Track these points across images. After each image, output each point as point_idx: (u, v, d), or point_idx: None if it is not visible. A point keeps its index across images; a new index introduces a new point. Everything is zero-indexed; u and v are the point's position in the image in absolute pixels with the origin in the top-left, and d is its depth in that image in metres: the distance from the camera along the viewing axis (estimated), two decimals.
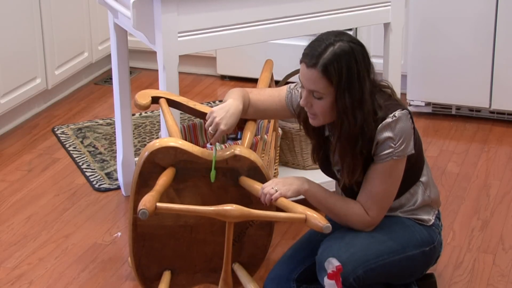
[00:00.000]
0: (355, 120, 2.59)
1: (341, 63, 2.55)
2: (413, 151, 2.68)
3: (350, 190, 2.77)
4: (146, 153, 2.66)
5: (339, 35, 2.60)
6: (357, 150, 2.63)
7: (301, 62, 2.62)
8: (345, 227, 2.77)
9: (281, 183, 2.64)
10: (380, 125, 2.62)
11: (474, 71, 4.39)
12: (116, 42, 3.53)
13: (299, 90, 2.81)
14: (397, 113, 2.63)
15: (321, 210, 2.73)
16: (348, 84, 2.56)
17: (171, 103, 2.96)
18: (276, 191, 2.61)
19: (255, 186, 2.66)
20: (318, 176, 3.46)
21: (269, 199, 2.61)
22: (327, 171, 2.85)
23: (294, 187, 2.65)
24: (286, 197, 2.62)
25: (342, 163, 2.68)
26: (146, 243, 2.74)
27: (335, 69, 2.55)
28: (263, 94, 2.91)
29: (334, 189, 2.97)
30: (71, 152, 4.22)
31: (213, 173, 2.69)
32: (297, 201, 2.63)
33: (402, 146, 2.64)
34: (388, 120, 2.62)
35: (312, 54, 2.58)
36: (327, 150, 2.79)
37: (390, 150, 2.63)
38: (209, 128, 2.71)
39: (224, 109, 2.72)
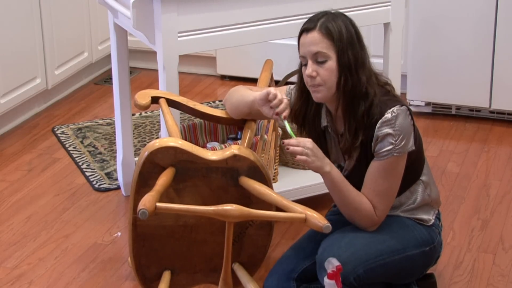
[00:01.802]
0: (359, 79, 2.63)
1: (339, 22, 2.64)
2: (413, 147, 2.69)
3: None
4: (146, 153, 2.66)
5: (328, 10, 2.70)
6: (360, 112, 2.64)
7: (300, 35, 2.67)
8: (345, 227, 2.78)
9: (313, 151, 2.61)
10: (380, 121, 2.63)
11: (474, 71, 4.40)
12: (116, 42, 3.53)
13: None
14: (396, 109, 2.64)
15: (333, 197, 2.72)
16: (349, 41, 2.63)
17: (171, 103, 2.96)
18: (306, 155, 2.60)
19: (256, 186, 2.66)
20: (318, 176, 3.46)
21: (293, 153, 2.61)
22: None
23: (318, 164, 2.63)
24: (307, 167, 2.63)
25: (345, 125, 2.68)
26: (146, 243, 2.74)
27: (335, 27, 2.62)
28: None
29: None
30: (71, 152, 4.22)
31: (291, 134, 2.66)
32: (297, 201, 2.64)
33: (403, 143, 2.64)
34: (388, 116, 2.63)
35: (310, 21, 2.66)
36: (324, 146, 2.79)
37: (391, 146, 2.63)
38: (276, 100, 2.69)
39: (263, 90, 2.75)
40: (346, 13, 3.28)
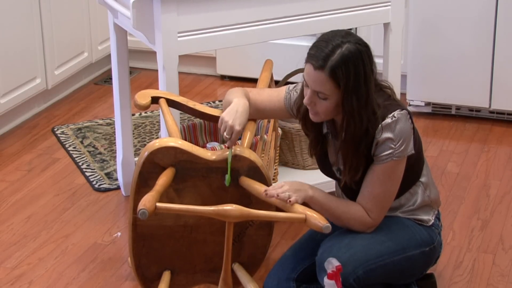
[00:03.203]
0: (361, 121, 2.60)
1: (349, 66, 2.54)
2: (413, 151, 2.68)
3: (351, 190, 2.77)
4: (146, 153, 2.66)
5: (346, 36, 2.58)
6: (361, 149, 2.64)
7: (307, 62, 2.60)
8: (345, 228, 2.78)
9: (292, 189, 2.60)
10: (380, 125, 2.62)
11: (474, 71, 4.40)
12: (116, 42, 3.53)
13: (298, 92, 2.81)
14: (397, 113, 2.63)
15: (323, 215, 2.72)
16: (355, 87, 2.56)
17: (171, 103, 2.96)
18: (290, 196, 2.58)
19: (256, 186, 2.66)
20: (318, 176, 3.46)
21: (281, 200, 2.58)
22: (326, 170, 2.85)
23: (303, 194, 2.63)
24: (298, 203, 2.59)
25: (344, 163, 2.68)
26: (146, 243, 2.74)
27: (343, 73, 2.53)
28: (262, 94, 2.91)
29: (334, 189, 2.97)
30: (71, 152, 4.22)
31: (228, 178, 2.67)
32: None
33: (402, 147, 2.64)
34: (388, 120, 2.62)
35: (319, 56, 2.56)
36: (325, 147, 2.79)
37: (390, 151, 2.63)
38: (225, 133, 2.69)
39: (233, 110, 2.71)
40: (347, 13, 3.29)
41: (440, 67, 4.45)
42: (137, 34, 3.16)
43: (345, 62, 2.54)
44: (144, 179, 2.67)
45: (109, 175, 3.98)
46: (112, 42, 3.57)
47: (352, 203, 2.72)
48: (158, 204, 2.44)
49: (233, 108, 2.72)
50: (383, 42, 3.48)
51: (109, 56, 4.91)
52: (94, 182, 3.93)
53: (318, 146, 2.80)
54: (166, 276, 2.77)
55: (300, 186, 2.66)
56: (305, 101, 2.64)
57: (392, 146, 2.63)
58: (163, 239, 2.74)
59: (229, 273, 2.68)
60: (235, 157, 2.68)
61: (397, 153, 2.64)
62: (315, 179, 3.49)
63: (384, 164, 2.65)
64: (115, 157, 4.11)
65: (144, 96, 2.95)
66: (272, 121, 3.34)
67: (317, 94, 2.60)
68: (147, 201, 2.42)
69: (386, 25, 3.44)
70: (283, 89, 2.89)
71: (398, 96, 3.26)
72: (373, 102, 2.61)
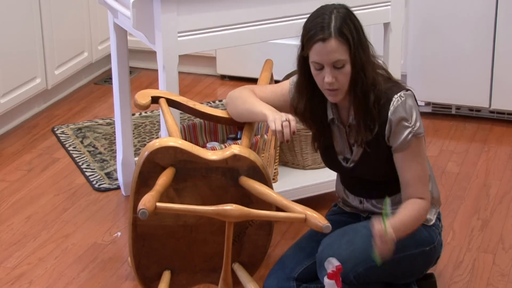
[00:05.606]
0: (369, 72, 2.66)
1: (349, 23, 2.64)
2: (424, 132, 2.73)
3: (351, 184, 2.77)
4: (146, 153, 2.66)
5: (329, 5, 2.68)
6: (370, 104, 2.67)
7: (313, 43, 2.63)
8: (345, 226, 2.78)
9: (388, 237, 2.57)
10: (391, 107, 2.67)
11: (474, 71, 4.39)
12: (116, 42, 3.53)
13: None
14: (403, 93, 2.69)
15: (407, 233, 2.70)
16: (359, 39, 2.66)
17: (171, 103, 2.96)
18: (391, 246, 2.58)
19: (256, 186, 2.66)
20: (318, 176, 3.48)
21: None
22: (331, 161, 2.84)
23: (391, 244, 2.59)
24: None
25: (358, 119, 2.70)
26: (146, 243, 2.74)
27: (348, 29, 2.63)
28: (265, 91, 2.91)
29: (334, 189, 2.97)
30: (71, 152, 4.22)
31: (386, 228, 2.55)
32: (297, 201, 2.63)
33: (418, 123, 2.70)
34: (397, 101, 2.68)
35: (322, 29, 2.62)
36: (328, 139, 2.79)
37: (409, 130, 2.67)
38: (283, 124, 2.67)
39: (273, 109, 2.76)
40: None
41: (440, 67, 4.45)
42: (137, 34, 3.16)
43: (345, 20, 2.64)
44: (144, 179, 2.67)
45: (109, 175, 3.99)
46: (112, 42, 3.57)
47: (409, 204, 2.71)
48: (158, 204, 2.44)
49: (271, 108, 2.77)
50: (383, 42, 3.48)
51: (109, 56, 4.91)
52: (94, 182, 3.93)
53: (322, 138, 2.81)
54: (166, 276, 2.77)
55: (389, 237, 2.59)
56: (327, 80, 2.64)
57: (408, 124, 2.68)
58: (163, 239, 2.74)
59: (229, 273, 2.68)
60: (235, 156, 2.68)
61: (415, 129, 2.69)
62: (315, 179, 3.50)
63: (408, 146, 2.68)
64: (115, 157, 4.11)
65: (144, 96, 2.95)
66: None
67: (334, 65, 2.63)
68: (147, 201, 2.43)
69: (386, 25, 3.44)
70: (286, 83, 2.90)
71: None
72: (372, 50, 2.71)
